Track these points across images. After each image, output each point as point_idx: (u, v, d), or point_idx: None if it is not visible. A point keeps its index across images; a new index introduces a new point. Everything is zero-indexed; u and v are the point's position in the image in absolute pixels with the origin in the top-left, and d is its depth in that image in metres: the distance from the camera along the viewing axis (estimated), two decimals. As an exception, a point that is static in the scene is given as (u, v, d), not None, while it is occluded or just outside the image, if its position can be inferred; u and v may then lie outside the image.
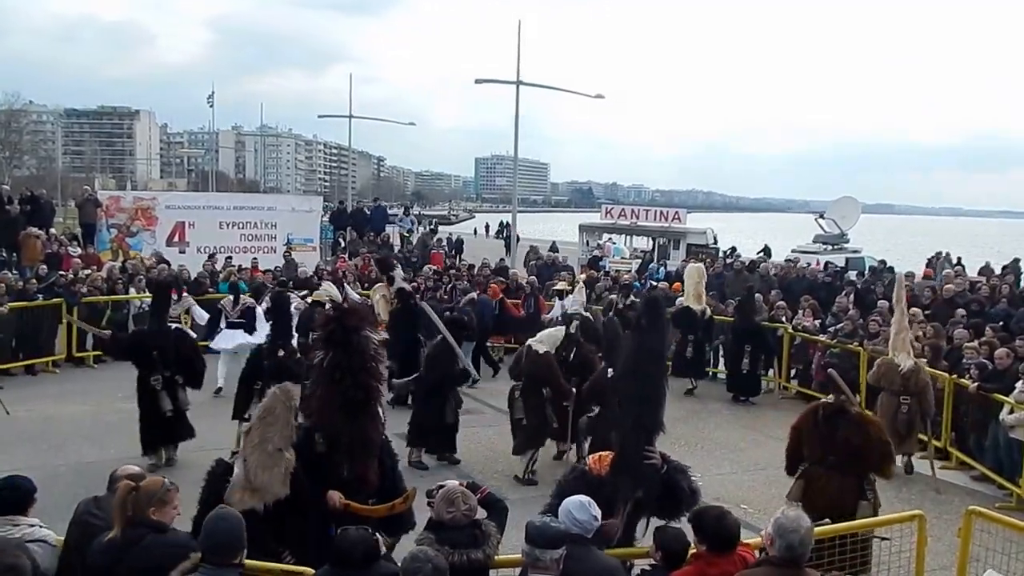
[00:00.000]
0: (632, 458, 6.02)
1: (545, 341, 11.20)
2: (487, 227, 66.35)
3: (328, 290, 13.99)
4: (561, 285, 18.11)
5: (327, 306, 10.53)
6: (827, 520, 6.57)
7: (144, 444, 10.40)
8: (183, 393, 10.78)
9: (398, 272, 14.64)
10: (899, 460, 11.11)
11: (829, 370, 9.29)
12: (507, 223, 60.57)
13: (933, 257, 26.35)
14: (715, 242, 32.59)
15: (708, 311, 15.78)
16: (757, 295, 16.98)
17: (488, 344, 17.14)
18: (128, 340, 11.50)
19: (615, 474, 6.02)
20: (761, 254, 27.18)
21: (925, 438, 11.74)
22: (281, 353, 10.10)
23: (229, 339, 14.33)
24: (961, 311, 14.84)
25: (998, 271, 21.49)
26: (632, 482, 5.99)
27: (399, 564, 4.77)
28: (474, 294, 16.87)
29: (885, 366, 11.61)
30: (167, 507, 4.83)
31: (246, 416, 9.39)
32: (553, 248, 31.98)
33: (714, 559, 4.88)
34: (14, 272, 17.48)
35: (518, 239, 35.68)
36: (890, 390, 11.49)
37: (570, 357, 11.20)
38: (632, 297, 16.56)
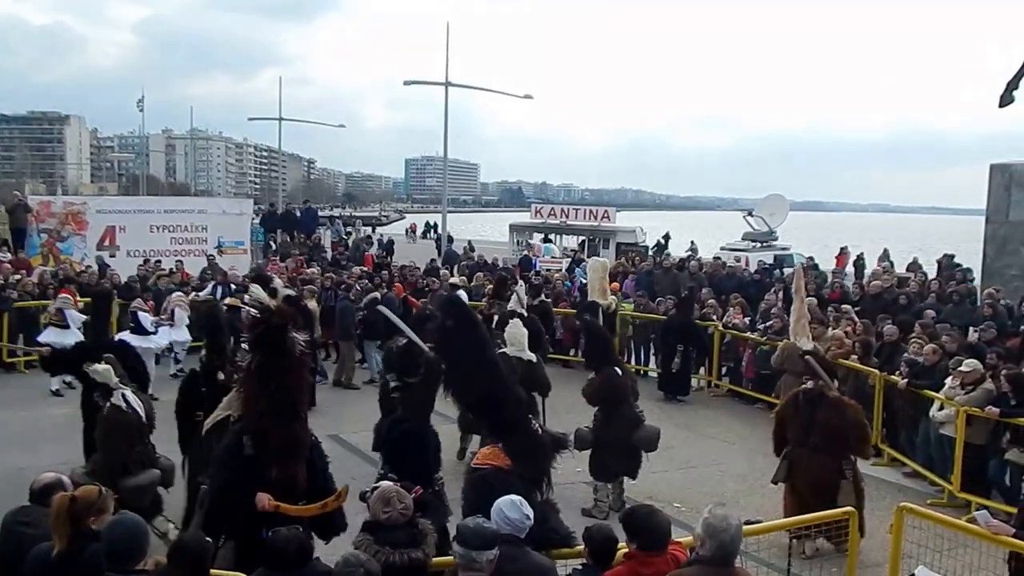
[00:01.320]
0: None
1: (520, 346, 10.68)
2: (413, 227, 65.95)
3: (255, 292, 13.78)
4: (455, 280, 18.68)
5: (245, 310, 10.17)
6: (760, 519, 6.66)
7: (87, 455, 9.70)
8: None
9: (277, 281, 14.38)
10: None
11: (806, 357, 9.57)
12: (434, 224, 60.61)
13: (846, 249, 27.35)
14: (644, 240, 32.91)
15: (613, 305, 15.39)
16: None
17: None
18: (69, 355, 10.64)
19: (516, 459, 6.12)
20: (689, 252, 27.40)
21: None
22: (220, 376, 8.90)
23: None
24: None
25: (928, 267, 21.92)
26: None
27: (332, 567, 4.74)
28: (376, 293, 16.73)
29: (788, 349, 11.92)
30: (105, 515, 4.77)
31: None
32: (470, 247, 31.83)
33: (647, 558, 4.86)
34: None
35: (450, 239, 35.61)
36: (793, 372, 11.80)
37: None
38: (543, 296, 16.75)
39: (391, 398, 9.22)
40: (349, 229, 39.76)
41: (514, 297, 12.91)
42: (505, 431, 6.34)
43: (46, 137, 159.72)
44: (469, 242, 36.74)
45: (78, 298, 15.13)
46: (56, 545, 4.58)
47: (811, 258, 25.81)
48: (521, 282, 15.90)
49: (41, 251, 21.60)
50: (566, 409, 11.97)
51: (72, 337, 13.96)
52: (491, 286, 16.23)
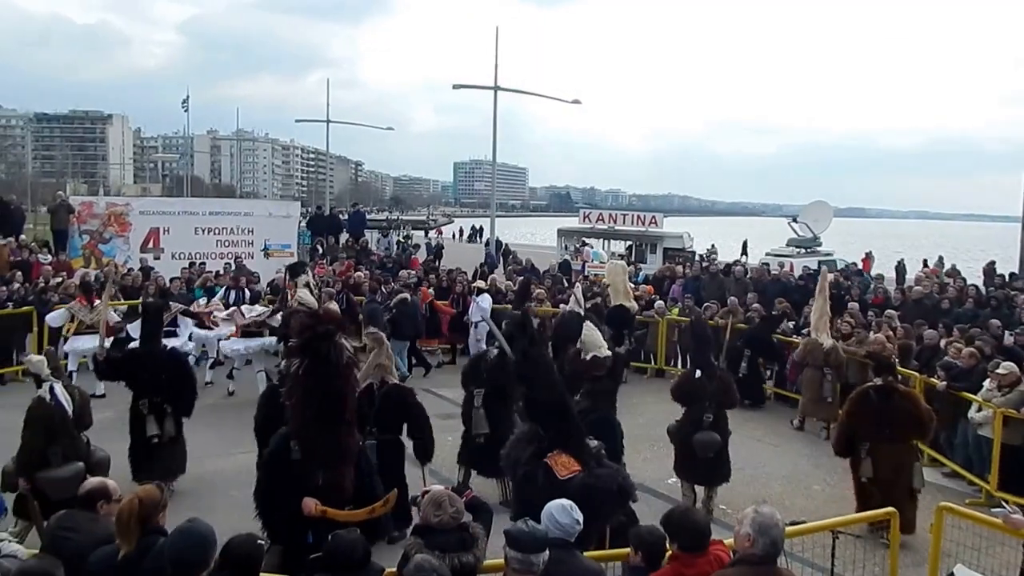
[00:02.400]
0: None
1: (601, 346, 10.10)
2: (439, 231, 66.10)
3: (304, 296, 13.96)
4: (479, 284, 18.87)
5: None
6: (804, 520, 6.72)
7: (134, 470, 9.95)
8: (169, 422, 10.15)
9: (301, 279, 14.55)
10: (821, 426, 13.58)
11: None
12: (479, 227, 60.65)
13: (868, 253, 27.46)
14: (691, 245, 32.83)
15: (636, 307, 15.38)
16: (733, 298, 17.13)
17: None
18: (120, 361, 10.73)
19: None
20: (743, 256, 27.29)
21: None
22: None
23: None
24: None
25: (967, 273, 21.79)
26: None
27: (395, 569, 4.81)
28: (406, 295, 16.97)
29: (811, 345, 13.52)
30: (166, 511, 4.91)
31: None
32: (507, 250, 31.75)
33: (690, 559, 4.89)
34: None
35: (499, 244, 35.77)
36: (814, 365, 13.38)
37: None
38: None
39: (476, 409, 9.84)
40: (402, 235, 39.77)
41: (572, 299, 13.15)
42: (569, 438, 6.33)
43: (88, 136, 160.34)
44: (505, 245, 36.93)
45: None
46: (123, 548, 4.62)
47: (854, 263, 25.66)
48: (578, 283, 16.06)
49: (83, 253, 21.38)
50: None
51: (93, 343, 14.36)
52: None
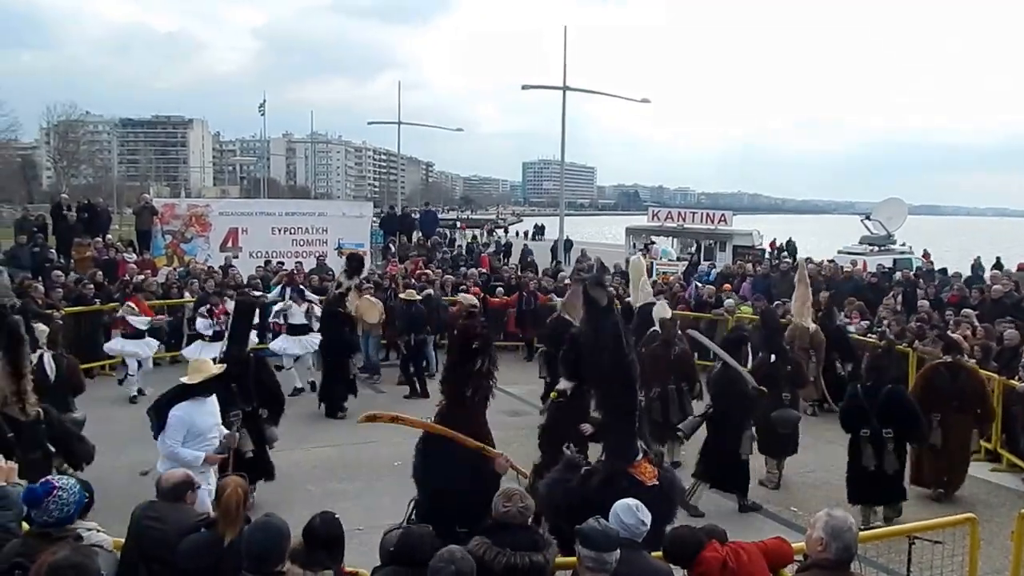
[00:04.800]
0: None
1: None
2: (526, 232, 66.17)
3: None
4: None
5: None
6: (879, 524, 6.64)
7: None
8: (269, 429, 9.79)
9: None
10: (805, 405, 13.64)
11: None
12: (542, 226, 60.71)
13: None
14: (761, 243, 32.59)
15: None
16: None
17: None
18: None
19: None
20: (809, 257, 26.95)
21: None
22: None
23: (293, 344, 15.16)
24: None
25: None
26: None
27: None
28: (430, 290, 17.15)
29: (797, 329, 14.10)
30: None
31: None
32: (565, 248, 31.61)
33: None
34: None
35: (570, 243, 35.81)
36: (801, 348, 13.80)
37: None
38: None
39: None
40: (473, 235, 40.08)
41: (641, 292, 13.35)
42: (626, 414, 6.40)
43: (170, 141, 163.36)
44: (569, 241, 36.94)
45: (145, 306, 15.37)
46: (227, 535, 4.77)
47: (931, 260, 25.21)
48: (645, 276, 16.12)
49: (165, 252, 22.15)
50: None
51: (138, 346, 14.69)
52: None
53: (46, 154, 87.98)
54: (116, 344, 15.00)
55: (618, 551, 4.63)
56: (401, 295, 16.19)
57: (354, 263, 15.20)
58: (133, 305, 15.00)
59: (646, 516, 5.05)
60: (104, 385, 15.11)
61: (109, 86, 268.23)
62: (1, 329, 7.93)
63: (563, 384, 9.01)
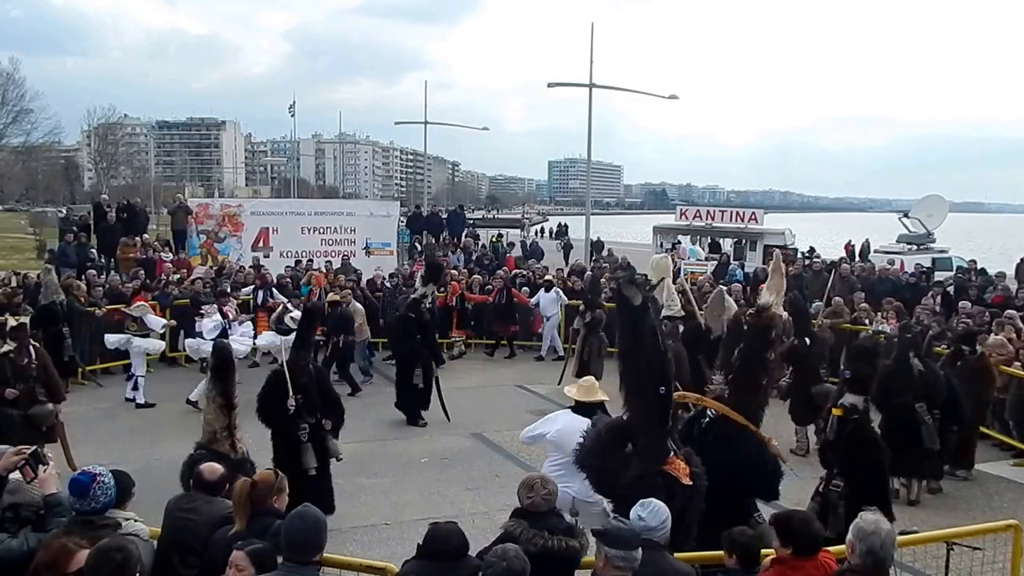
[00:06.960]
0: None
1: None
2: (547, 230, 65.98)
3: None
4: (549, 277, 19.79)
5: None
6: (915, 529, 6.48)
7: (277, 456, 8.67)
8: (331, 442, 9.10)
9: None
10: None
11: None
12: (565, 225, 60.69)
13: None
14: (793, 242, 32.11)
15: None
16: (838, 299, 16.62)
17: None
18: (265, 388, 9.00)
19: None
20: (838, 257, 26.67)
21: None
22: None
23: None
24: None
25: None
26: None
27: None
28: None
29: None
30: (283, 495, 5.19)
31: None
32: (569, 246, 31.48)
33: (797, 563, 4.81)
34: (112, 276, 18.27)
35: (600, 243, 35.63)
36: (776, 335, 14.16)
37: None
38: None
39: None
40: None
41: (665, 291, 13.35)
42: (660, 416, 6.19)
43: (204, 142, 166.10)
44: (600, 242, 36.81)
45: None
46: (236, 526, 4.91)
47: (973, 261, 24.74)
48: (669, 279, 16.00)
49: (200, 251, 22.46)
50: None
51: (147, 343, 14.63)
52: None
53: (87, 156, 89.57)
54: (122, 339, 14.60)
55: (639, 549, 4.60)
56: (327, 298, 16.06)
57: (432, 270, 14.72)
58: (145, 304, 15.00)
59: (667, 515, 5.01)
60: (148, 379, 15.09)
61: (146, 89, 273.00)
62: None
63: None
